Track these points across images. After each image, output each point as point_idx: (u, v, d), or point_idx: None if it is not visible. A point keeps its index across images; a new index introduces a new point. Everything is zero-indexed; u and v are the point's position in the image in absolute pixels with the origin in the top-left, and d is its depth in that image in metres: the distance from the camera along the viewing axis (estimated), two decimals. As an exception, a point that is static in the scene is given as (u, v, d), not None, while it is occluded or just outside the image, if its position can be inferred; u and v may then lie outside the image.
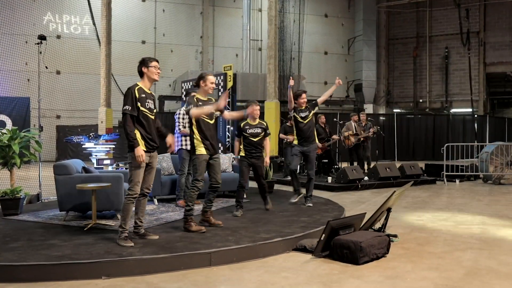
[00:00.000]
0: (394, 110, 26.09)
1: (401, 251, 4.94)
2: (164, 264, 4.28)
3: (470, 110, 24.05)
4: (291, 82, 7.22)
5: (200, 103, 5.43)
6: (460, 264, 4.52)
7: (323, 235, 4.73)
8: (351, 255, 4.49)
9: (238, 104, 15.59)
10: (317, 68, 25.77)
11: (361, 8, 25.89)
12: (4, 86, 20.38)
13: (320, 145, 11.93)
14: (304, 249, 4.92)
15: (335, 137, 12.25)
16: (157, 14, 23.42)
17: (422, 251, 4.97)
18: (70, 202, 5.95)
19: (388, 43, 26.77)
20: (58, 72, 21.22)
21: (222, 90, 13.54)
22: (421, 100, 26.23)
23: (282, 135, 11.60)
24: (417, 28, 26.02)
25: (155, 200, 7.42)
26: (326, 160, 12.26)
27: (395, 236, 5.46)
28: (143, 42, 23.10)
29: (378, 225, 5.52)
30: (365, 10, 25.80)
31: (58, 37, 21.66)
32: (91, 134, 8.29)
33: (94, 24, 21.34)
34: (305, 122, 7.33)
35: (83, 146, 8.28)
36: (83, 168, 6.39)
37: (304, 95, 7.38)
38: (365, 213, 5.50)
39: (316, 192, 9.48)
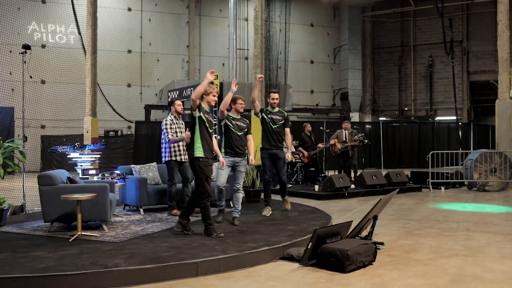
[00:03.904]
0: (380, 118, 26.31)
1: (387, 259, 4.97)
2: (150, 275, 4.24)
3: (455, 118, 24.34)
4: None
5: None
6: (446, 271, 4.55)
7: (310, 243, 4.73)
8: (338, 263, 4.50)
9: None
10: (303, 77, 25.93)
11: (346, 18, 26.16)
12: (-13, 96, 20.13)
13: (306, 153, 12.03)
14: (291, 258, 4.91)
15: (320, 145, 12.33)
16: (143, 23, 23.40)
17: (408, 258, 5.00)
18: (55, 213, 5.88)
19: (373, 52, 27.06)
20: (43, 82, 21.04)
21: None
22: (406, 108, 26.49)
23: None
24: (401, 37, 26.34)
25: (141, 210, 7.36)
26: (313, 169, 12.31)
27: (382, 243, 5.48)
28: (129, 51, 23.04)
29: (364, 233, 5.54)
30: (350, 19, 26.08)
31: (43, 46, 21.50)
32: (76, 144, 8.21)
33: (79, 33, 21.21)
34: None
35: (68, 156, 8.20)
36: (68, 178, 6.32)
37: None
38: (352, 221, 5.52)
39: (303, 201, 9.52)
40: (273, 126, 7.32)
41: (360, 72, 26.24)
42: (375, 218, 5.55)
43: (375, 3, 25.84)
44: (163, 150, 7.28)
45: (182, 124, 7.42)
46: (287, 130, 7.43)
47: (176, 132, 7.19)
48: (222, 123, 6.62)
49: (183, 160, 7.24)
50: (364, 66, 26.63)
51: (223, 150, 6.60)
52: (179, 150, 7.21)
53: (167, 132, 7.08)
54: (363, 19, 26.53)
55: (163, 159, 7.28)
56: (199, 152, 5.59)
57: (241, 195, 6.65)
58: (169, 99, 13.54)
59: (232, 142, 6.57)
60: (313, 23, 26.40)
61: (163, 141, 7.22)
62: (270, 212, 7.25)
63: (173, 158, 7.15)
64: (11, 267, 4.21)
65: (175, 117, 7.31)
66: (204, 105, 5.72)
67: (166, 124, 7.14)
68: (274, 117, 7.34)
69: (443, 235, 6.29)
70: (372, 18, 26.53)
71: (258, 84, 7.22)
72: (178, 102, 7.42)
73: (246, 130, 6.73)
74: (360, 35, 26.37)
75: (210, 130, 5.71)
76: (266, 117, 7.33)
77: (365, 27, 26.85)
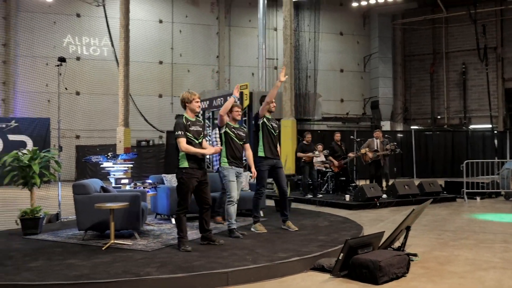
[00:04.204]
0: (412, 127, 25.86)
1: (421, 271, 4.85)
2: (181, 283, 4.27)
3: (490, 126, 23.71)
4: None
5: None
6: (483, 284, 4.41)
7: (341, 254, 4.67)
8: (370, 274, 4.42)
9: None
10: (333, 85, 25.77)
11: (376, 26, 25.93)
12: (25, 107, 20.80)
13: (336, 163, 11.93)
14: (322, 269, 4.86)
15: (351, 154, 12.18)
16: (174, 34, 23.77)
17: (443, 271, 4.87)
18: (89, 222, 6.00)
19: (404, 59, 26.71)
20: (77, 93, 21.59)
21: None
22: (439, 117, 25.98)
23: (300, 154, 11.56)
24: (433, 44, 25.92)
25: (172, 219, 7.42)
26: (344, 178, 12.18)
27: (415, 255, 5.36)
28: (161, 62, 23.42)
29: (397, 244, 5.43)
30: (381, 27, 25.84)
31: (78, 58, 22.09)
32: (109, 153, 8.37)
33: (112, 45, 21.74)
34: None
35: (101, 166, 8.37)
36: (102, 187, 6.45)
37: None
38: (384, 231, 5.43)
39: (333, 210, 9.42)
40: (275, 134, 6.77)
41: (391, 80, 25.91)
42: (408, 228, 5.44)
43: (406, 10, 25.54)
44: (214, 158, 7.30)
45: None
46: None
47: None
48: (222, 131, 6.32)
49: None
50: (395, 74, 26.29)
51: (225, 159, 6.23)
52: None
53: (217, 142, 7.13)
54: (393, 27, 26.25)
55: (215, 167, 7.28)
56: (184, 163, 5.39)
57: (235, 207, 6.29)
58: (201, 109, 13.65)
59: (235, 152, 6.28)
60: (343, 32, 26.27)
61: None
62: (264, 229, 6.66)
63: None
64: (46, 275, 4.30)
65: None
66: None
67: (216, 133, 7.24)
68: (274, 124, 6.83)
69: (480, 246, 6.10)
70: (403, 25, 26.22)
71: (279, 85, 6.80)
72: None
73: (244, 139, 6.43)
74: (391, 43, 26.08)
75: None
76: (267, 123, 6.75)
77: (396, 35, 26.54)
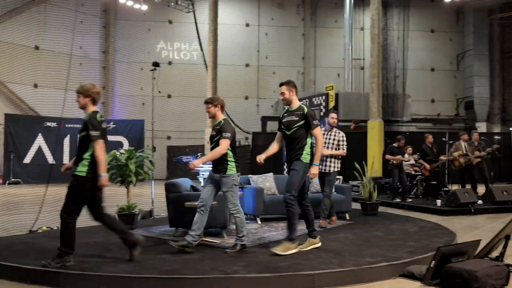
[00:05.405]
0: (511, 129, 24.07)
1: (522, 283, 4.51)
2: (268, 283, 4.32)
3: None
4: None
5: None
6: None
7: (433, 261, 4.47)
8: (465, 285, 4.18)
9: (340, 124, 15.42)
10: (423, 85, 24.68)
11: (471, 21, 24.46)
12: (122, 110, 22.23)
13: (427, 166, 11.43)
14: (412, 276, 4.68)
15: (443, 157, 11.58)
16: (260, 37, 24.12)
17: (548, 285, 4.49)
18: (180, 219, 6.26)
19: (502, 56, 24.92)
20: (169, 96, 22.63)
21: (324, 110, 13.51)
22: (541, 117, 23.98)
23: (388, 156, 11.25)
24: (536, 39, 23.99)
25: (258, 219, 7.54)
26: (435, 182, 11.63)
27: (516, 266, 4.99)
28: (247, 65, 23.87)
29: (495, 254, 5.09)
30: (476, 23, 24.33)
31: (170, 63, 23.16)
32: (198, 154, 8.70)
33: (201, 49, 22.54)
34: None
35: (191, 166, 8.69)
36: (192, 186, 6.71)
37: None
38: (480, 240, 5.11)
39: (423, 216, 9.04)
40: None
41: (488, 78, 24.30)
42: (507, 237, 5.07)
43: (504, 4, 23.80)
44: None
45: (335, 136, 7.37)
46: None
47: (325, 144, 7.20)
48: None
49: (326, 171, 7.24)
50: (491, 72, 24.61)
51: (234, 163, 5.49)
52: (323, 161, 7.21)
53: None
54: (490, 22, 24.59)
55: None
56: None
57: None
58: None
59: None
60: (434, 29, 25.11)
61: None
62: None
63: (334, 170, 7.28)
64: (141, 268, 4.56)
65: (325, 129, 7.40)
66: None
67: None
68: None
69: None
70: (501, 20, 24.48)
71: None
72: (332, 115, 7.53)
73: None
74: (487, 39, 24.45)
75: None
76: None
77: (493, 31, 24.82)
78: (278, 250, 5.13)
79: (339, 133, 7.46)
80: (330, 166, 7.29)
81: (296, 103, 5.49)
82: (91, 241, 5.92)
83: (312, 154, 5.37)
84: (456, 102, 25.07)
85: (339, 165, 7.39)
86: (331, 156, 7.29)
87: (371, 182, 8.94)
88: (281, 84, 5.57)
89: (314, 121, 5.33)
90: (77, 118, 15.66)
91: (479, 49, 24.26)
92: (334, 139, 7.39)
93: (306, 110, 5.39)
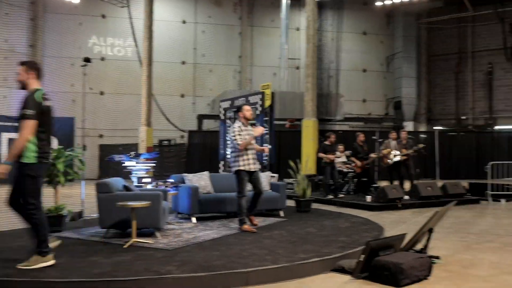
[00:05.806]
0: (435, 128, 25.45)
1: (444, 274, 4.78)
2: (201, 283, 4.29)
3: (516, 127, 23.18)
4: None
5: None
6: (508, 288, 4.32)
7: (363, 255, 4.63)
8: (392, 276, 4.37)
9: (276, 122, 15.60)
10: (356, 86, 25.53)
11: (401, 25, 25.61)
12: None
13: (359, 163, 11.83)
14: (342, 270, 4.83)
15: (372, 155, 12.07)
16: (197, 35, 23.91)
17: (466, 274, 4.79)
18: (111, 220, 6.07)
19: (429, 59, 26.29)
20: (101, 93, 21.91)
21: (260, 108, 13.60)
22: (463, 117, 25.51)
23: (321, 154, 11.52)
24: (459, 44, 25.45)
25: (193, 219, 7.47)
26: (365, 179, 12.08)
27: (438, 258, 5.28)
28: (183, 62, 23.58)
29: (419, 246, 5.35)
30: (405, 26, 25.50)
31: (102, 59, 22.40)
32: (131, 153, 8.48)
33: (136, 46, 22.01)
34: None
35: (124, 165, 8.47)
36: (124, 186, 6.53)
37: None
38: (406, 233, 5.36)
39: (354, 211, 9.34)
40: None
41: (415, 80, 25.55)
42: (430, 231, 5.36)
43: (431, 9, 25.10)
44: (232, 159, 6.79)
45: (252, 130, 6.87)
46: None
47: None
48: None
49: (254, 170, 6.82)
50: (419, 74, 25.91)
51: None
52: (248, 159, 6.73)
53: (236, 139, 6.61)
54: (418, 26, 25.87)
55: (232, 168, 6.82)
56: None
57: None
58: (223, 108, 13.70)
59: None
60: (366, 31, 26.03)
61: (234, 146, 6.71)
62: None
63: (242, 168, 6.67)
64: (69, 272, 4.37)
65: (243, 123, 6.84)
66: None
67: (234, 131, 6.65)
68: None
69: (505, 250, 5.98)
70: (428, 24, 25.82)
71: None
72: (247, 107, 6.96)
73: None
74: (415, 43, 25.70)
75: None
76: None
77: (421, 34, 26.14)
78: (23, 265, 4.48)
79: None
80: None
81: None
82: (15, 245, 5.62)
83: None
84: (386, 102, 26.15)
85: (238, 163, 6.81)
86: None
87: (305, 180, 9.12)
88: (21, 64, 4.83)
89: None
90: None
91: (407, 51, 25.44)
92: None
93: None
